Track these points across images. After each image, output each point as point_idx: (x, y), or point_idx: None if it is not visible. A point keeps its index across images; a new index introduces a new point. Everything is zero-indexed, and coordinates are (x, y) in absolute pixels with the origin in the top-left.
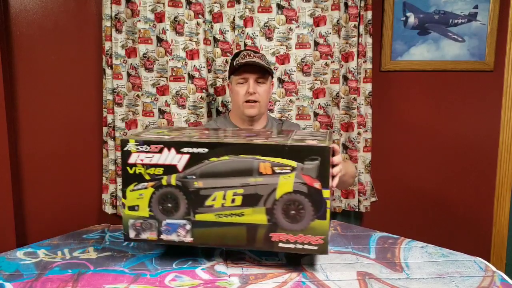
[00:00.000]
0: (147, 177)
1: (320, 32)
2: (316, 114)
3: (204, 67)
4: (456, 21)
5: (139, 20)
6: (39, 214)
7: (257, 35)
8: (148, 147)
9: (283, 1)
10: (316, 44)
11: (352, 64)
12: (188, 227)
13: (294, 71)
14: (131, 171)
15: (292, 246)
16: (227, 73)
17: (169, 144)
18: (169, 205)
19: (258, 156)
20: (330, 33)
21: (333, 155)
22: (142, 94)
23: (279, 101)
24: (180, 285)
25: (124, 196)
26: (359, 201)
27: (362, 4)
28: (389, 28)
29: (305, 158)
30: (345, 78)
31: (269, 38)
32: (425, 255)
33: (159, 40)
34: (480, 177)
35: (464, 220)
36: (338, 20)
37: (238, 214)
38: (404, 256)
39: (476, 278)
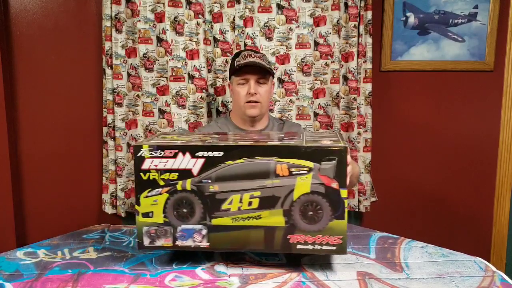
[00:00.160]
0: (162, 183)
1: (320, 32)
2: (316, 114)
3: (204, 67)
4: (456, 21)
5: (139, 20)
6: (39, 214)
7: (257, 35)
8: (162, 152)
9: (283, 1)
10: (316, 44)
11: (352, 64)
12: (204, 232)
13: (294, 71)
14: (144, 177)
15: (310, 247)
16: (227, 73)
17: (183, 149)
18: (185, 210)
19: (274, 158)
20: (330, 33)
21: None
22: (142, 94)
23: (279, 101)
24: (180, 285)
25: (138, 203)
26: (359, 201)
27: (362, 4)
28: (389, 28)
29: (322, 158)
30: (345, 78)
31: (269, 38)
32: (425, 255)
33: (159, 40)
34: (480, 177)
35: (464, 220)
36: (338, 20)
37: (255, 217)
38: (404, 256)
39: (476, 278)
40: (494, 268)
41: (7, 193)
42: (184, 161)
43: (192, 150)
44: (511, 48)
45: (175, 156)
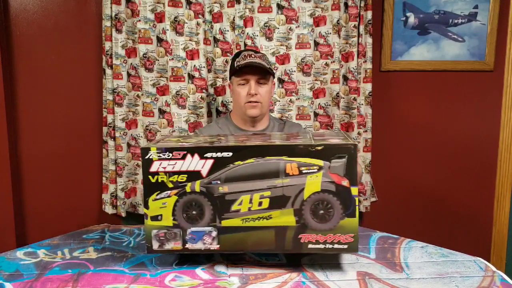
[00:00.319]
0: (170, 185)
1: (320, 32)
2: (316, 114)
3: (204, 67)
4: (456, 21)
5: (139, 20)
6: (39, 214)
7: (257, 35)
8: (171, 154)
9: (283, 1)
10: (316, 44)
11: (352, 64)
12: (214, 234)
13: (294, 71)
14: (153, 180)
15: (321, 246)
16: (227, 73)
17: (192, 150)
18: (194, 212)
19: (283, 157)
20: (330, 33)
21: None
22: (142, 94)
23: (279, 101)
24: (180, 285)
25: (146, 206)
26: (359, 201)
27: (362, 4)
28: (389, 28)
29: (331, 156)
30: (345, 78)
31: (269, 38)
32: (425, 255)
33: (159, 40)
34: (480, 177)
35: (464, 220)
36: (338, 20)
37: (265, 217)
38: (404, 256)
39: (476, 278)
40: (494, 268)
41: (7, 193)
42: (193, 163)
43: (201, 151)
44: (511, 48)
45: (183, 157)
